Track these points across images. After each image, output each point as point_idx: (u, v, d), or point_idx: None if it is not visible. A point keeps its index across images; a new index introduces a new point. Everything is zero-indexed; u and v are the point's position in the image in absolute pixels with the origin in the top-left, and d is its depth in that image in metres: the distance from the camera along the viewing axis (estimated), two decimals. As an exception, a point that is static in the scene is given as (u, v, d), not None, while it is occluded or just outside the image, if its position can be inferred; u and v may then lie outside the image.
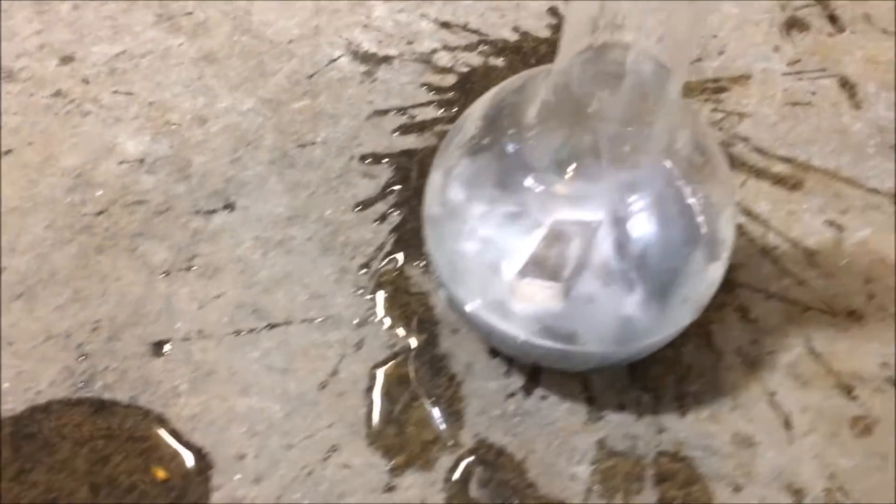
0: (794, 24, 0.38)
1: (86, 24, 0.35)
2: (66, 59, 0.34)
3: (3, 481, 0.24)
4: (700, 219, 0.24)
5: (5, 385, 0.26)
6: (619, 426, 0.27)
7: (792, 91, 0.36)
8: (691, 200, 0.24)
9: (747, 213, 0.32)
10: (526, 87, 0.24)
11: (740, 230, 0.31)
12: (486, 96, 0.26)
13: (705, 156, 0.25)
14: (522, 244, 0.24)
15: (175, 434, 0.26)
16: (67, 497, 0.24)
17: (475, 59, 0.36)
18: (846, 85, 0.36)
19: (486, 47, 0.36)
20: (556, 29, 0.37)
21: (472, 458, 0.26)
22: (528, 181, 0.23)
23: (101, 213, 0.30)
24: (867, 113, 0.35)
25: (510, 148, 0.24)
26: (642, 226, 0.24)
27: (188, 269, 0.29)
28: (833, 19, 0.38)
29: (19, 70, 0.33)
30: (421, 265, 0.30)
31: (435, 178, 0.26)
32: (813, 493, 0.26)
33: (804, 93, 0.36)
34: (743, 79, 0.36)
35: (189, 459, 0.25)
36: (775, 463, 0.26)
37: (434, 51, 0.36)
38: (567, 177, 0.23)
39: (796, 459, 0.26)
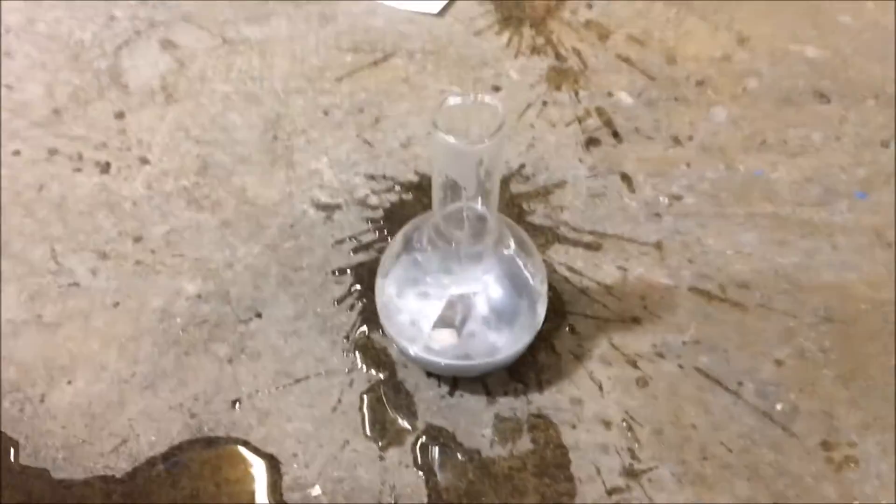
0: (591, 143, 0.60)
1: (144, 213, 0.55)
2: (137, 239, 0.54)
3: (164, 489, 0.43)
4: (526, 281, 0.45)
5: (153, 438, 0.45)
6: (505, 404, 0.47)
7: (592, 187, 0.57)
8: (519, 272, 0.45)
9: (570, 269, 0.53)
10: (421, 226, 0.45)
11: (566, 280, 0.52)
12: (402, 231, 0.46)
13: (523, 246, 0.45)
14: (431, 312, 0.44)
15: (255, 450, 0.45)
16: (204, 491, 0.43)
17: (393, 196, 0.56)
18: (625, 178, 0.57)
19: (398, 188, 0.57)
20: (442, 169, 0.58)
21: (425, 435, 0.46)
22: (429, 277, 0.44)
23: (182, 331, 0.49)
24: (639, 194, 0.56)
25: (416, 259, 0.44)
26: (495, 291, 0.44)
27: (241, 355, 0.48)
28: (615, 134, 0.60)
29: (109, 251, 0.53)
30: (379, 332, 0.50)
31: (379, 281, 0.46)
32: (616, 422, 0.46)
33: (600, 187, 0.57)
34: (561, 183, 0.57)
35: (265, 462, 0.44)
36: (594, 410, 0.47)
37: (367, 195, 0.56)
38: (449, 272, 0.43)
39: (606, 406, 0.47)
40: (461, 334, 0.44)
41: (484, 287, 0.44)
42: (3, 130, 0.59)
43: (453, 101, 0.38)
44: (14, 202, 0.55)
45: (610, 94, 0.63)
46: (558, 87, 0.63)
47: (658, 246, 0.54)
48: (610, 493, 0.44)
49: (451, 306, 0.44)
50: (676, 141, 0.60)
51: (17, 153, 0.58)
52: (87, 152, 0.58)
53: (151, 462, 0.44)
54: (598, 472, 0.44)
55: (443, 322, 0.44)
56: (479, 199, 0.41)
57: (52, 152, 0.58)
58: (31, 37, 0.65)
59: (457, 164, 0.39)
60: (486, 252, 0.43)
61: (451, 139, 0.36)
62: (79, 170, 0.57)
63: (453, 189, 0.40)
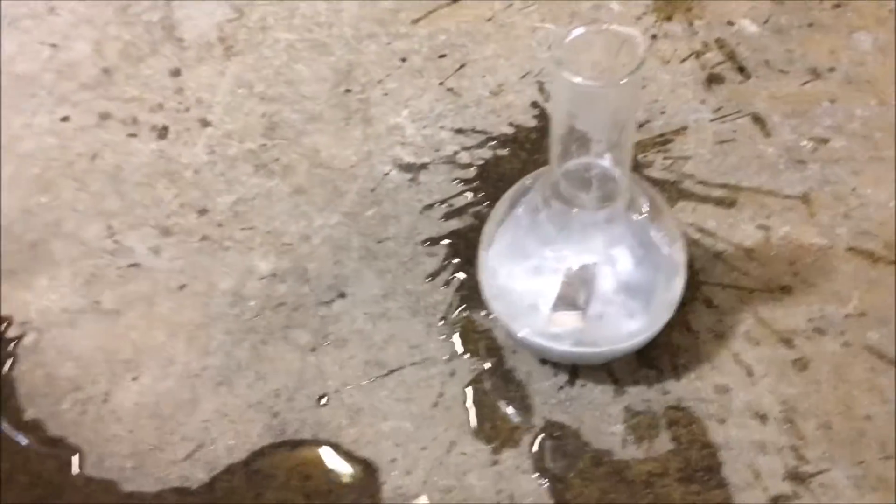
0: (712, 80, 0.51)
1: (207, 182, 0.49)
2: (202, 212, 0.47)
3: (246, 502, 0.37)
4: (661, 250, 0.37)
5: (231, 442, 0.39)
6: (636, 395, 0.40)
7: (719, 132, 0.49)
8: (653, 239, 0.37)
9: (700, 230, 0.45)
10: (534, 187, 0.37)
11: (697, 243, 0.44)
12: (507, 193, 0.39)
13: (656, 208, 0.38)
14: (548, 289, 0.37)
15: (347, 454, 0.39)
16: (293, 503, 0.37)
17: (486, 152, 0.49)
18: (758, 120, 0.49)
19: (492, 142, 0.49)
20: (541, 118, 0.50)
21: (543, 434, 0.39)
22: (546, 248, 0.36)
23: (257, 316, 0.43)
24: (776, 138, 0.48)
25: (528, 226, 0.37)
26: (625, 263, 0.37)
27: (325, 343, 0.42)
28: (741, 69, 0.52)
29: (172, 226, 0.47)
30: (481, 312, 0.43)
31: (481, 254, 0.39)
32: (773, 415, 0.39)
33: (728, 132, 0.49)
34: (682, 130, 0.49)
35: (360, 468, 0.38)
36: (745, 400, 0.39)
37: (456, 152, 0.49)
38: (570, 242, 0.36)
39: (758, 395, 0.39)
40: (586, 316, 0.37)
41: (611, 259, 0.37)
42: (50, 95, 0.53)
43: (578, 31, 0.30)
44: (65, 174, 0.49)
45: (730, 23, 0.54)
46: (669, 18, 0.54)
47: (805, 199, 0.45)
48: (774, 501, 0.36)
49: (572, 282, 0.37)
50: (815, 73, 0.51)
51: (65, 119, 0.52)
52: (142, 115, 0.52)
53: (231, 470, 0.39)
54: (757, 476, 0.37)
55: (564, 302, 0.37)
56: (610, 153, 0.33)
57: (104, 117, 0.52)
58: (75, -10, 0.59)
59: (585, 111, 0.31)
60: (615, 218, 0.36)
61: (578, 79, 0.29)
62: (134, 135, 0.51)
63: (578, 142, 0.33)
